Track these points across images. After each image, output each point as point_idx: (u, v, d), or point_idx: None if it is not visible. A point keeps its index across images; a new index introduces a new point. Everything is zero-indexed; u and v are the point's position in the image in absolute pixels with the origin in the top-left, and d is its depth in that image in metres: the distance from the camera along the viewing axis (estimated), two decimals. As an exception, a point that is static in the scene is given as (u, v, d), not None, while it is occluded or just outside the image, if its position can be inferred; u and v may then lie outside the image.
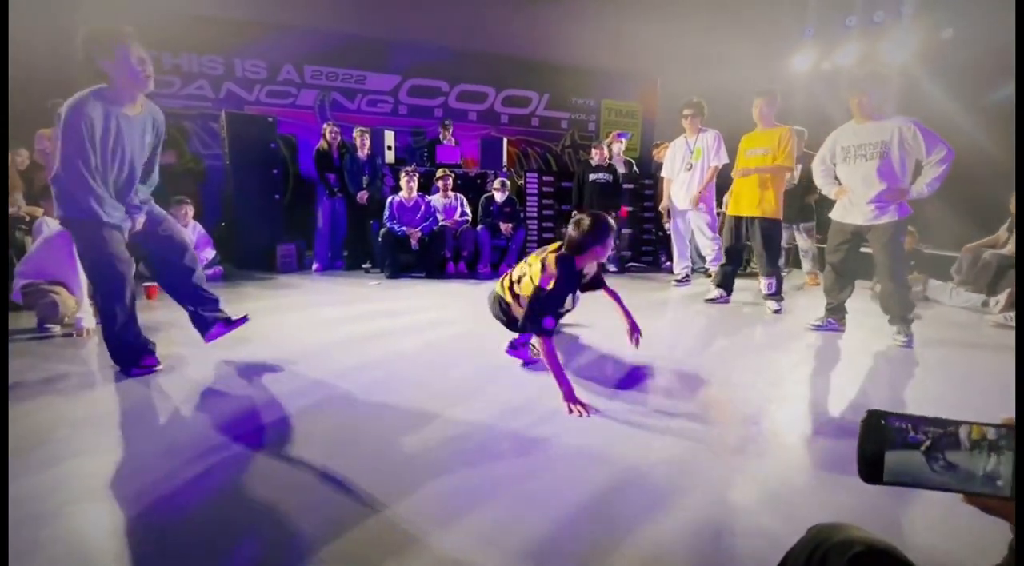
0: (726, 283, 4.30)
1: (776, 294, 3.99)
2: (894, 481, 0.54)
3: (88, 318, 2.97)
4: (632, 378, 2.52)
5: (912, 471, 0.53)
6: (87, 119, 2.07)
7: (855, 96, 3.06)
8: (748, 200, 3.97)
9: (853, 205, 3.16)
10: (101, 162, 2.15)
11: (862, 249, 3.31)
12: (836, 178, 3.28)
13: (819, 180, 3.36)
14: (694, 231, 5.01)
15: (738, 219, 4.06)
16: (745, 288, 4.64)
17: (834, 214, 3.31)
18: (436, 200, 5.56)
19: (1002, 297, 4.01)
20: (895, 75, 3.03)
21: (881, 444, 0.53)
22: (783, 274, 5.72)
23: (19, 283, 3.03)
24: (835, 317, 3.39)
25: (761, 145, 3.93)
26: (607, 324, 3.53)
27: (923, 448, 0.53)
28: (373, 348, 2.89)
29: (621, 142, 6.21)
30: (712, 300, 4.31)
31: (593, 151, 5.84)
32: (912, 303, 3.17)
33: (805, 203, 5.31)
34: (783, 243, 5.61)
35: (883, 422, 0.54)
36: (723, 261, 4.33)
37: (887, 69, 3.39)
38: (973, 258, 4.48)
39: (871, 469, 0.54)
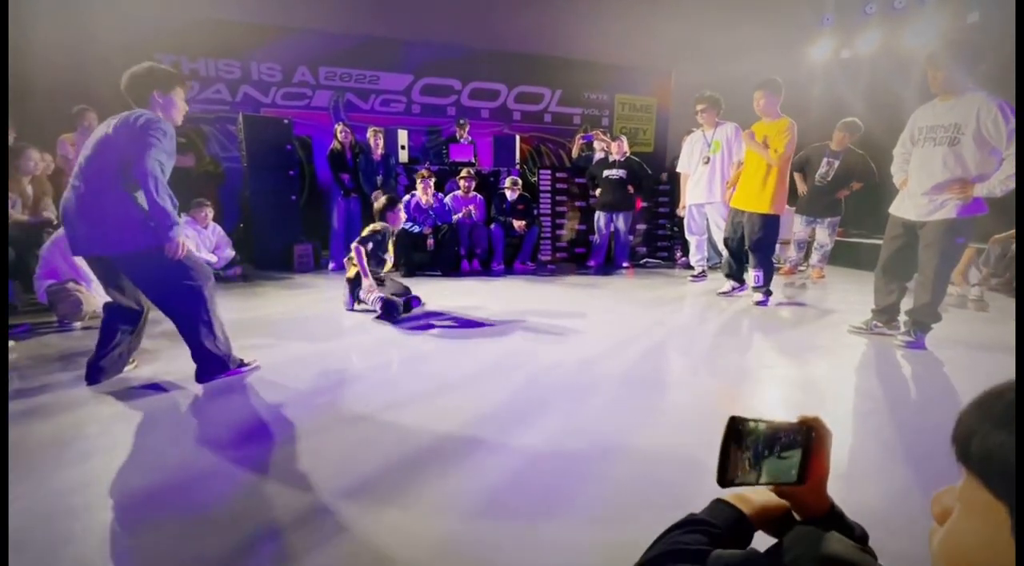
0: (736, 274, 4.27)
1: (763, 286, 4.00)
2: (736, 482, 0.58)
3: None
4: (643, 373, 2.51)
5: (750, 471, 0.59)
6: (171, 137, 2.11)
7: (930, 71, 2.65)
8: (746, 193, 3.95)
9: (909, 197, 2.82)
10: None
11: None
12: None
13: (894, 166, 3.00)
14: (710, 225, 4.94)
15: (737, 210, 4.06)
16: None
17: (892, 206, 2.98)
18: (458, 193, 5.68)
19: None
20: (979, 44, 2.61)
21: (736, 448, 0.58)
22: (801, 268, 5.67)
23: (43, 285, 3.13)
24: (881, 320, 3.07)
25: (762, 137, 3.87)
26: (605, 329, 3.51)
27: (758, 450, 0.59)
28: (388, 346, 2.92)
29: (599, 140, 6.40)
30: (725, 293, 4.27)
31: (612, 145, 5.82)
32: (939, 315, 2.87)
33: (835, 199, 5.15)
34: (805, 237, 5.51)
35: (739, 428, 0.58)
36: (726, 253, 4.31)
37: (969, 38, 2.97)
38: (1002, 250, 4.35)
39: (723, 472, 0.58)
